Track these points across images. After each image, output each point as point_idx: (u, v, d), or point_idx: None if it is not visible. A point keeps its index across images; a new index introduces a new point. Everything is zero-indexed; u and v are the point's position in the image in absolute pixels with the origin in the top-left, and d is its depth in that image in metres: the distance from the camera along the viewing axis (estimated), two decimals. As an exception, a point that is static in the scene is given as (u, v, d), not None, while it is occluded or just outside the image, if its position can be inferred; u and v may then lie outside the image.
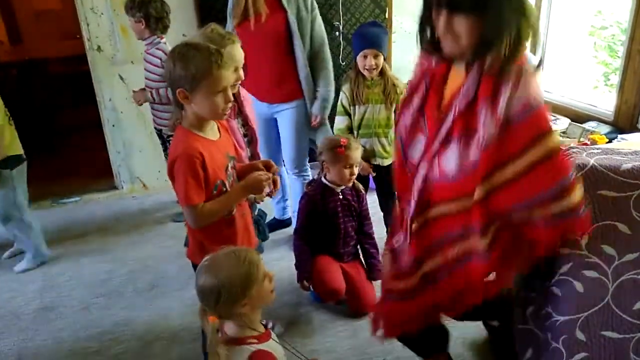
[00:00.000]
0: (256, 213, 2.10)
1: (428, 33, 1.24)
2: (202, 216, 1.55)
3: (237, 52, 1.81)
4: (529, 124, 1.11)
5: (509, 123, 1.11)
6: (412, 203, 1.30)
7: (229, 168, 1.62)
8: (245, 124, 2.01)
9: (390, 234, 1.51)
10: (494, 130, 1.11)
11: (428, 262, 1.31)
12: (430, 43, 1.25)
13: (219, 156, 1.58)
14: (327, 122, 2.63)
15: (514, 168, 1.12)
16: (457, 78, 1.22)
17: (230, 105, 1.53)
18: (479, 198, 1.16)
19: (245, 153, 1.96)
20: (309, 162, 2.76)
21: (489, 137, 1.12)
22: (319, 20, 2.49)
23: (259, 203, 2.01)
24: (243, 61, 1.84)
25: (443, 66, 1.27)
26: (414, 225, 1.31)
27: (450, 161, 1.21)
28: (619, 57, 3.66)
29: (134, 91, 2.85)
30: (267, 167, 1.70)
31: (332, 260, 2.27)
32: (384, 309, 1.49)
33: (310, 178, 2.69)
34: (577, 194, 1.14)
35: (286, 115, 2.57)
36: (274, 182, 1.98)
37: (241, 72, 1.84)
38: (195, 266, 1.68)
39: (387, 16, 3.58)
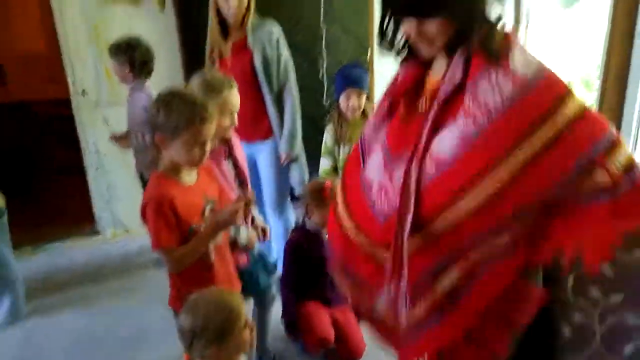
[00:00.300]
0: (256, 252, 2.06)
1: (397, 40, 1.15)
2: (176, 260, 1.54)
3: (233, 97, 1.85)
4: (551, 82, 0.98)
5: (529, 82, 0.96)
6: (408, 219, 1.03)
7: (207, 211, 1.61)
8: (236, 166, 2.02)
9: (350, 296, 1.28)
10: (512, 90, 0.95)
11: (445, 277, 1.05)
12: (406, 51, 1.17)
13: (194, 200, 1.58)
14: (301, 159, 2.65)
15: (551, 128, 0.93)
16: (436, 78, 1.12)
17: (206, 156, 1.55)
18: (509, 175, 0.93)
19: (235, 195, 1.95)
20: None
21: (508, 99, 0.95)
22: (285, 57, 2.53)
23: (249, 249, 1.97)
24: (238, 106, 1.87)
25: (411, 75, 1.17)
26: (410, 246, 1.04)
27: (444, 142, 1.01)
28: (595, 90, 3.74)
29: (116, 136, 2.81)
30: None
31: (321, 305, 2.22)
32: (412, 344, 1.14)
33: (292, 218, 2.67)
34: (626, 147, 0.97)
35: (264, 154, 2.59)
36: (264, 231, 1.96)
37: (235, 117, 1.87)
38: (176, 313, 1.65)
39: (369, 57, 3.65)
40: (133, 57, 2.65)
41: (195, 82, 1.82)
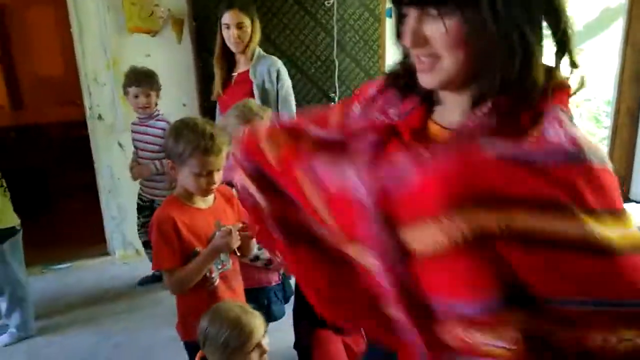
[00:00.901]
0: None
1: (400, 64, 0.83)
2: (175, 281, 1.56)
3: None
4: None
5: None
6: None
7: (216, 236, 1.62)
8: None
9: None
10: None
11: None
12: (403, 77, 0.81)
13: (204, 224, 1.61)
14: None
15: None
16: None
17: (215, 186, 1.58)
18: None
19: None
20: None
21: None
22: (285, 90, 2.65)
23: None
24: None
25: (415, 115, 0.79)
26: None
27: None
28: (605, 127, 3.77)
29: (133, 168, 2.86)
30: None
31: (333, 334, 2.19)
32: None
33: None
34: None
35: None
36: None
37: None
38: (184, 342, 1.65)
39: (380, 88, 3.71)
40: (158, 85, 2.79)
41: (232, 112, 1.92)
